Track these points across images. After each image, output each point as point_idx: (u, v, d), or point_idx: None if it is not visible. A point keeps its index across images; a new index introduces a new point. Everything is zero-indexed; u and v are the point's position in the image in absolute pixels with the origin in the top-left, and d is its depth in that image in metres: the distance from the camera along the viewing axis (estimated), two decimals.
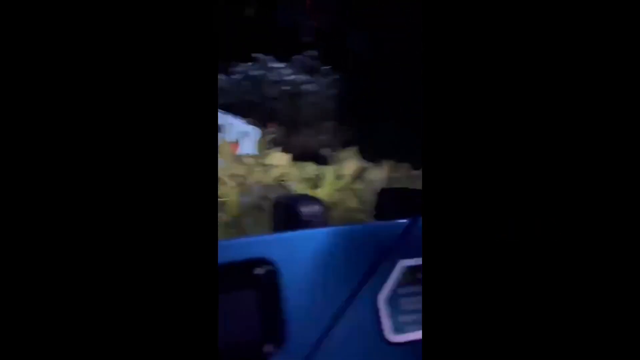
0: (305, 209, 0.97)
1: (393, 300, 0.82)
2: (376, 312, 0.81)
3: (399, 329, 0.83)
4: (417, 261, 0.85)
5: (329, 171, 4.87)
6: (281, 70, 8.65)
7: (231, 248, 0.83)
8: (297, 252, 0.83)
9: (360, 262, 0.84)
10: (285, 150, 5.66)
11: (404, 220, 0.93)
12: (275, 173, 4.61)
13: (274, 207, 1.12)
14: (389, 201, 1.12)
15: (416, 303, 0.81)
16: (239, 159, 4.92)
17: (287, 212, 1.02)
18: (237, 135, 6.31)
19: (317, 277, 0.81)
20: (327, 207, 1.05)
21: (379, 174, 4.84)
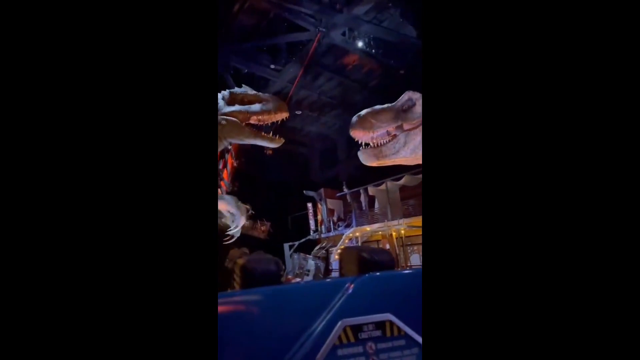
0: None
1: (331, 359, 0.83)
2: None
3: None
4: (358, 320, 0.86)
5: None
6: None
7: None
8: (239, 310, 0.86)
9: (301, 321, 0.85)
10: None
11: (347, 279, 0.95)
12: None
13: None
14: (348, 260, 1.13)
15: None
16: None
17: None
18: None
19: (259, 334, 0.83)
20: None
21: None
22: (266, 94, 2.86)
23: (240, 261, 1.06)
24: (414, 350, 0.87)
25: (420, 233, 10.03)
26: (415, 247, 10.33)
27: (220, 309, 0.81)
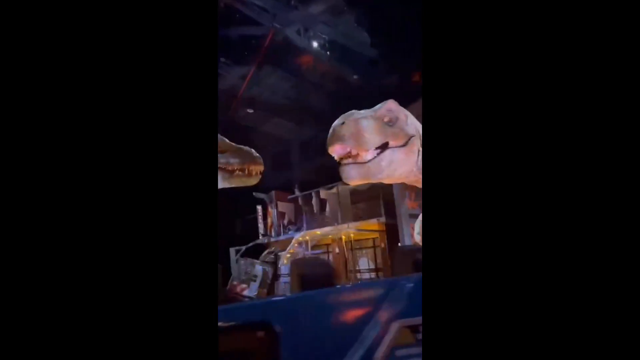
0: None
1: None
2: None
3: None
4: (415, 321, 0.84)
5: None
6: None
7: (234, 311, 0.86)
8: (296, 315, 0.87)
9: (358, 322, 0.85)
10: None
11: (404, 278, 0.97)
12: None
13: None
14: (402, 259, 1.19)
15: None
16: None
17: None
18: None
19: (316, 338, 0.84)
20: None
21: None
22: (245, 147, 2.62)
23: (295, 269, 1.09)
24: None
25: (369, 237, 10.37)
26: (364, 251, 10.62)
27: (277, 312, 0.83)
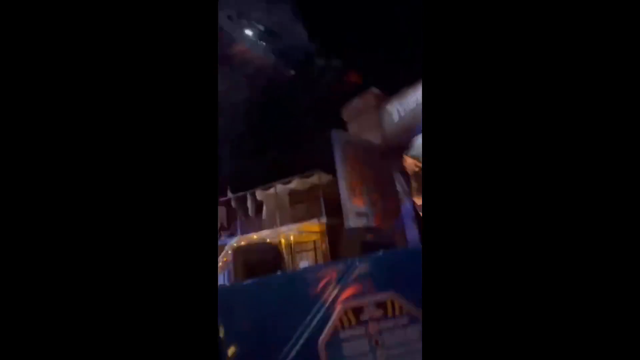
0: None
1: (334, 344, 0.82)
2: (317, 358, 0.84)
3: None
4: (359, 302, 0.83)
5: None
6: None
7: None
8: (238, 303, 0.88)
9: (303, 307, 0.86)
10: None
11: (347, 261, 0.95)
12: None
13: None
14: (350, 241, 1.22)
15: (360, 346, 0.81)
16: None
17: None
18: None
19: (259, 325, 0.85)
20: None
21: None
22: None
23: (239, 256, 1.09)
24: (416, 328, 0.87)
25: (310, 238, 10.27)
26: (305, 253, 10.48)
27: (225, 298, 0.80)
